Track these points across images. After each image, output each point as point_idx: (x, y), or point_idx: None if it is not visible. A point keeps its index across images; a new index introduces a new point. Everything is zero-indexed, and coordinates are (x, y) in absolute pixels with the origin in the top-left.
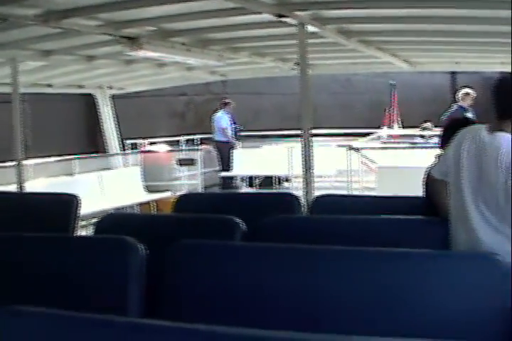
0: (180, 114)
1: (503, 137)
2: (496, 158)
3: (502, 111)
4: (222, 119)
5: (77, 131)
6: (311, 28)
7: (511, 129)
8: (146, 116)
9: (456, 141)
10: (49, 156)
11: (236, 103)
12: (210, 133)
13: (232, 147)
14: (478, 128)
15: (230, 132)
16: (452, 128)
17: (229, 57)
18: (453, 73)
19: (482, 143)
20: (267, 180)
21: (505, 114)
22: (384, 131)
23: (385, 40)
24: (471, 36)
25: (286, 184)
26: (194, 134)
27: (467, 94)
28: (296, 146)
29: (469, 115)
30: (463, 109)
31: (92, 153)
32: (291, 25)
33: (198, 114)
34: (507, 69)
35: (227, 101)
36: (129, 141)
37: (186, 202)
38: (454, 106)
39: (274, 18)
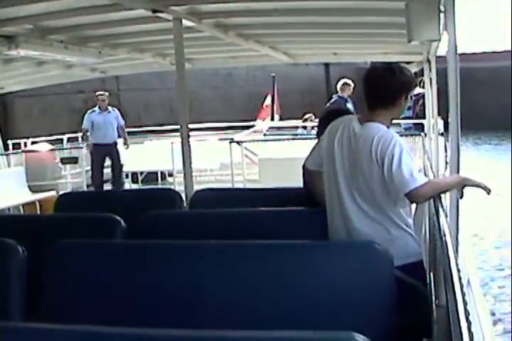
0: (79, 111)
1: (375, 126)
2: (368, 147)
3: (373, 102)
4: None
5: None
6: (187, 23)
7: (383, 119)
8: (48, 113)
9: (328, 132)
10: None
11: (128, 99)
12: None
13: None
14: (350, 119)
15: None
16: (327, 119)
17: (108, 53)
18: (326, 64)
19: (354, 134)
20: (152, 176)
21: (375, 105)
22: (265, 124)
23: (262, 33)
24: (348, 27)
25: (170, 179)
26: None
27: (346, 84)
28: (178, 141)
29: (349, 105)
30: (343, 99)
31: None
32: (167, 20)
33: None
34: (389, 59)
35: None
36: (22, 140)
37: (68, 201)
38: (335, 97)
39: (150, 14)
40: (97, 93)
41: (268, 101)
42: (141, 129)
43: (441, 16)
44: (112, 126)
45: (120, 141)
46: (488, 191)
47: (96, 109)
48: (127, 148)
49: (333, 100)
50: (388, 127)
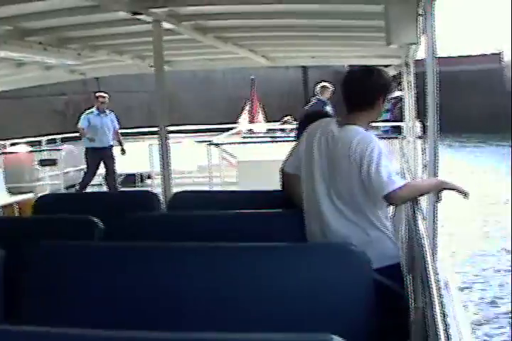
0: (61, 113)
1: (354, 129)
2: (347, 150)
3: (351, 105)
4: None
5: None
6: (166, 25)
7: (362, 122)
8: (29, 115)
9: (306, 134)
10: None
11: (110, 101)
12: None
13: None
14: (329, 122)
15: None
16: (305, 121)
17: (87, 55)
18: (305, 68)
19: (332, 136)
20: (130, 178)
21: (354, 108)
22: (244, 126)
23: (241, 35)
24: (327, 31)
25: (148, 181)
26: (75, 132)
27: (325, 87)
28: (157, 143)
29: (328, 108)
30: (322, 102)
31: None
32: (146, 22)
33: (77, 113)
34: (368, 62)
35: (97, 95)
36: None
37: (46, 203)
38: (313, 100)
39: (130, 16)
40: (98, 94)
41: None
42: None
43: (420, 20)
44: (108, 129)
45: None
46: (465, 195)
47: (94, 110)
48: (124, 153)
49: (311, 103)
50: (367, 129)
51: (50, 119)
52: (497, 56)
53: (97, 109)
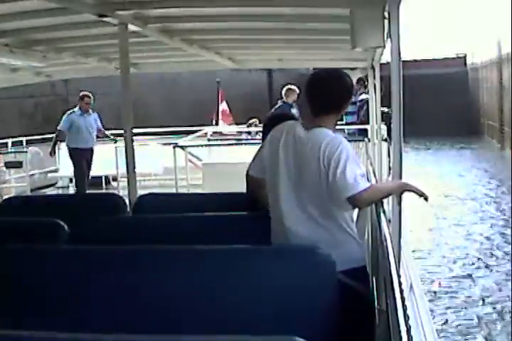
0: (30, 115)
1: (323, 132)
2: (316, 153)
3: (317, 107)
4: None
5: None
6: (132, 28)
7: (328, 124)
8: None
9: (270, 137)
10: None
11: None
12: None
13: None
14: (293, 125)
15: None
16: (270, 124)
17: (53, 57)
18: (269, 71)
19: (300, 139)
20: (96, 180)
21: (321, 110)
22: (210, 128)
23: (208, 38)
24: (293, 34)
25: (114, 184)
26: (43, 134)
27: (291, 90)
28: (122, 145)
29: (294, 111)
30: (288, 105)
31: None
32: (113, 24)
33: (45, 115)
34: (334, 65)
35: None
36: None
37: (11, 205)
38: (279, 103)
39: (96, 18)
40: (82, 93)
41: (225, 105)
42: None
43: (386, 23)
44: (92, 129)
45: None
46: (426, 198)
47: (76, 110)
48: (115, 141)
49: (277, 106)
50: (334, 132)
51: (19, 121)
52: (461, 60)
53: (80, 109)
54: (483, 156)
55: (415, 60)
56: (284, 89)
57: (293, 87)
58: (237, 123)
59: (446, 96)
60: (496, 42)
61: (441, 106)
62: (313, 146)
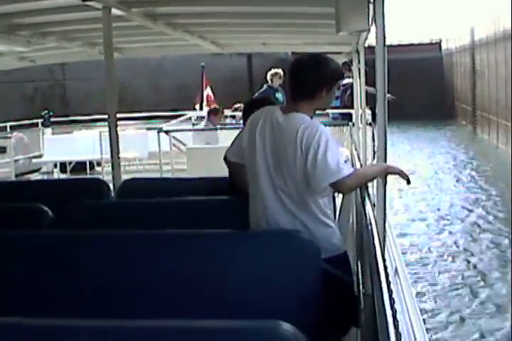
0: (30, 98)
1: (299, 117)
2: (293, 138)
3: (294, 93)
4: None
5: None
6: (116, 12)
7: (306, 110)
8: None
9: (249, 122)
10: None
11: (72, 88)
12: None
13: None
14: (273, 110)
15: None
16: (251, 108)
17: (37, 42)
18: (249, 56)
19: (277, 124)
20: (80, 166)
21: (296, 96)
22: (195, 113)
23: (191, 22)
24: (278, 17)
25: (98, 169)
26: (42, 117)
27: (276, 74)
28: (107, 130)
29: (279, 95)
30: (273, 89)
31: None
32: (96, 8)
33: (45, 98)
34: (319, 49)
35: None
36: None
37: None
38: (264, 87)
39: (80, 2)
40: None
41: (209, 91)
42: (69, 119)
43: (370, 7)
44: None
45: None
46: (408, 180)
47: None
48: None
49: (262, 89)
50: (312, 117)
51: (19, 105)
52: (436, 45)
53: None
54: (455, 138)
55: (391, 45)
56: (270, 72)
57: (279, 70)
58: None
59: (423, 80)
60: (469, 29)
61: (418, 90)
62: (290, 132)
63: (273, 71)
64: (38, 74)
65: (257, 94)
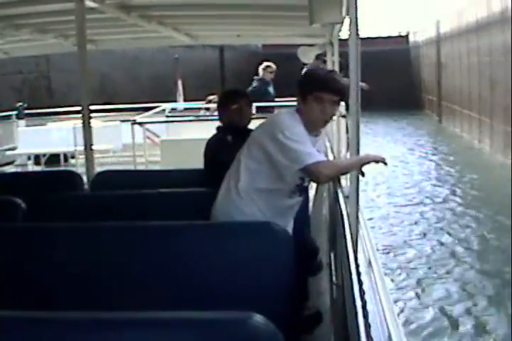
0: (18, 89)
1: (281, 111)
2: (260, 127)
3: None
4: None
5: None
6: (89, 3)
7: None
8: None
9: None
10: None
11: (57, 80)
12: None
13: None
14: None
15: None
16: (224, 100)
17: (10, 34)
18: (221, 49)
19: None
20: (54, 158)
21: None
22: (169, 105)
23: (165, 14)
24: (252, 9)
25: (72, 161)
26: (31, 108)
27: (268, 67)
28: (80, 122)
29: (270, 89)
30: (265, 83)
31: None
32: (70, 0)
33: (32, 90)
34: (293, 41)
35: None
36: None
37: None
38: (254, 83)
39: None
40: None
41: (179, 84)
42: (45, 110)
43: None
44: None
45: None
46: (385, 163)
47: None
48: None
49: (254, 84)
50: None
51: (8, 96)
52: (404, 38)
53: None
54: (420, 128)
55: (361, 38)
56: (262, 65)
57: (271, 63)
58: (190, 100)
59: (392, 72)
60: (435, 22)
61: (386, 82)
62: (261, 124)
63: (265, 64)
64: (25, 67)
65: (250, 89)
